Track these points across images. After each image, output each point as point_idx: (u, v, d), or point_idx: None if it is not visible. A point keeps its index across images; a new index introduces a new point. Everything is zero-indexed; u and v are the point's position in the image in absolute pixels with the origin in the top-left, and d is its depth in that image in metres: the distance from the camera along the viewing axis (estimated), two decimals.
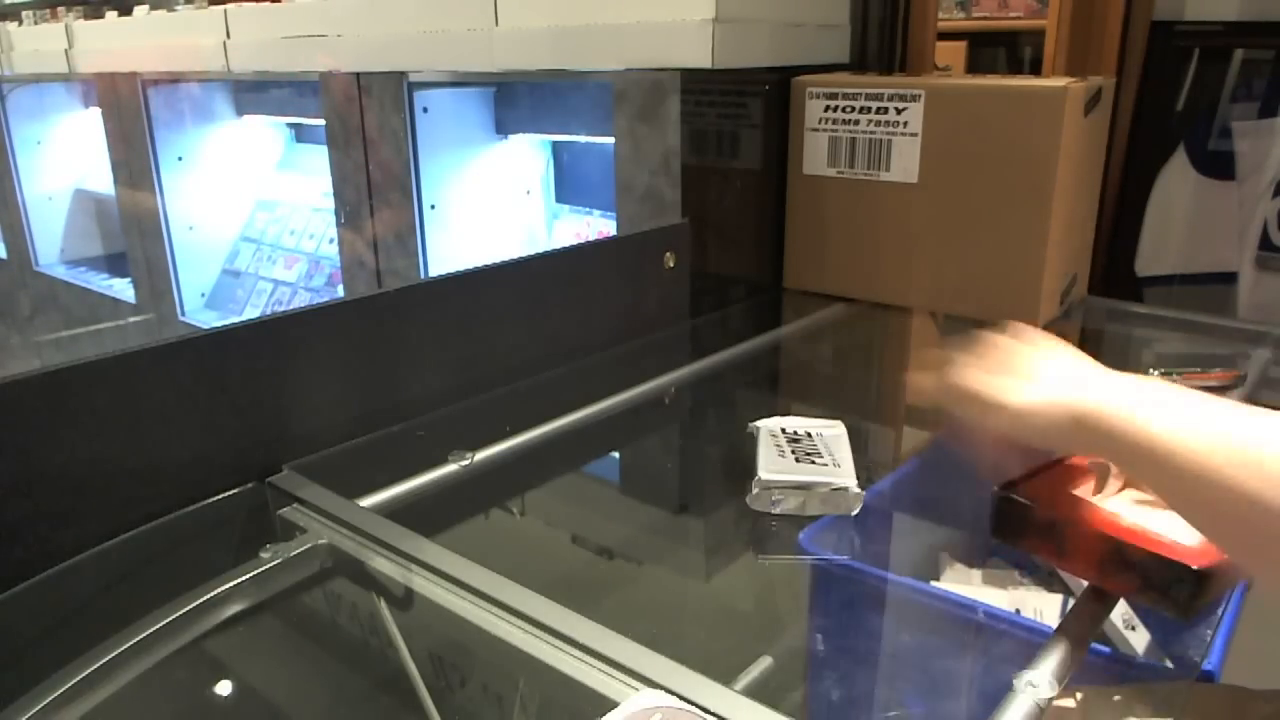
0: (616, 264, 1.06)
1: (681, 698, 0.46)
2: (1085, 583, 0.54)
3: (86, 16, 2.34)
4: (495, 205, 1.67)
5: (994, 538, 0.55)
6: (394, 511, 0.70)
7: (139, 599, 0.59)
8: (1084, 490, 0.55)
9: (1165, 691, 0.54)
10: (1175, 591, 0.46)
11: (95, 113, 2.34)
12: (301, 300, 2.16)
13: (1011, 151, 1.06)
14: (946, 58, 1.98)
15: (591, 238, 1.64)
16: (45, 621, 0.61)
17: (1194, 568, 0.46)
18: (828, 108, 1.18)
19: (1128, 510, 0.51)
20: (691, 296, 1.14)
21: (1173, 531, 0.48)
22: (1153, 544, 0.48)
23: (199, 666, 0.58)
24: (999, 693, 0.45)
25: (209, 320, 2.21)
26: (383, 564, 0.62)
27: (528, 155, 1.70)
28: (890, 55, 1.35)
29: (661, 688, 0.47)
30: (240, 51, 1.79)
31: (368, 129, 1.56)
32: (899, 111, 1.12)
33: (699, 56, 1.09)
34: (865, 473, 0.74)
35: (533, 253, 0.97)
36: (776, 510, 0.72)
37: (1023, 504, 0.53)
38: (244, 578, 0.60)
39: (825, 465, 0.73)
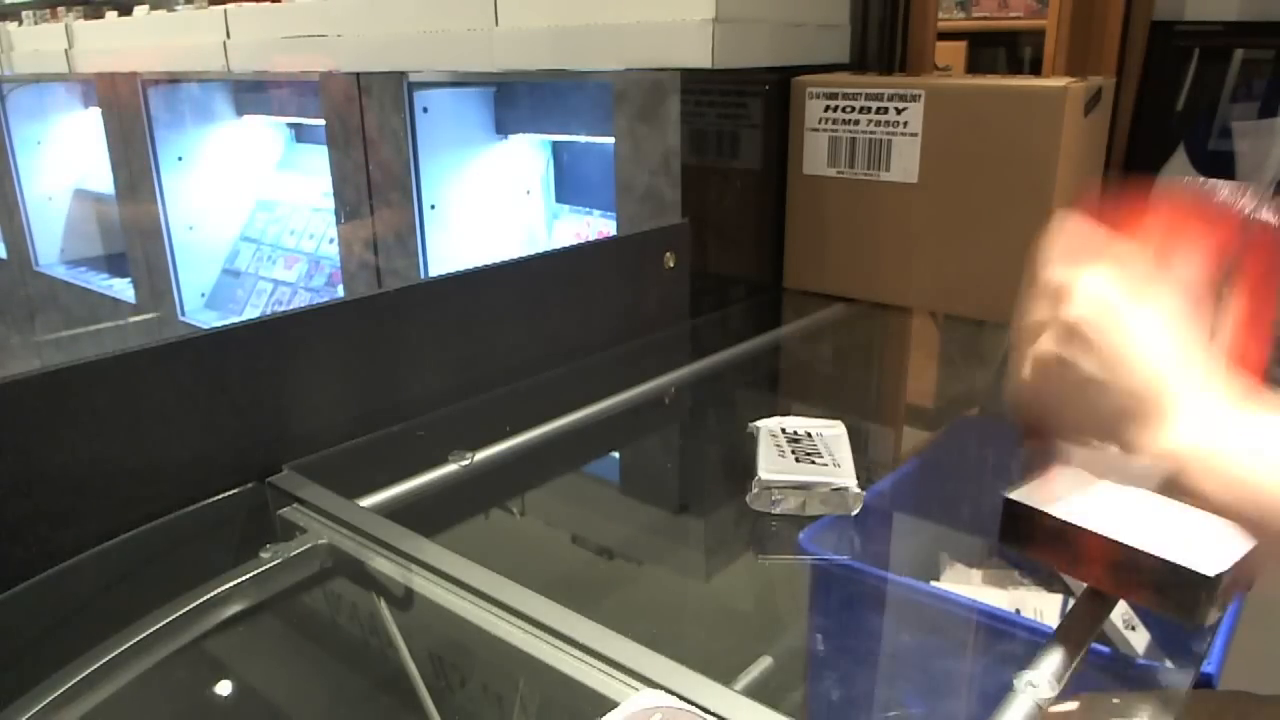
0: (616, 264, 1.06)
1: (681, 698, 0.46)
2: (1085, 583, 0.53)
3: (86, 16, 2.34)
4: (495, 205, 1.67)
5: (1002, 544, 0.54)
6: (394, 511, 0.70)
7: (139, 599, 0.59)
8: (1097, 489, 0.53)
9: (1165, 696, 0.53)
10: (1189, 599, 0.45)
11: (95, 113, 2.34)
12: (301, 300, 2.16)
13: (1011, 151, 1.06)
14: (946, 58, 1.98)
15: (591, 238, 1.64)
16: (45, 621, 0.61)
17: (1209, 575, 0.44)
18: (828, 108, 1.18)
19: (1139, 512, 0.50)
20: (691, 296, 1.14)
21: (1185, 536, 0.47)
22: (1166, 550, 0.47)
23: (199, 666, 0.58)
24: (999, 693, 0.45)
25: (209, 320, 2.21)
26: (383, 564, 0.62)
27: (528, 155, 1.70)
28: (890, 55, 1.35)
29: (661, 688, 0.47)
30: (240, 51, 1.79)
31: (368, 129, 1.56)
32: (899, 111, 1.12)
33: (699, 56, 1.09)
34: (865, 473, 0.74)
35: (533, 253, 0.97)
36: (776, 510, 0.72)
37: (1030, 509, 0.51)
38: (244, 578, 0.60)
39: (825, 465, 0.73)
